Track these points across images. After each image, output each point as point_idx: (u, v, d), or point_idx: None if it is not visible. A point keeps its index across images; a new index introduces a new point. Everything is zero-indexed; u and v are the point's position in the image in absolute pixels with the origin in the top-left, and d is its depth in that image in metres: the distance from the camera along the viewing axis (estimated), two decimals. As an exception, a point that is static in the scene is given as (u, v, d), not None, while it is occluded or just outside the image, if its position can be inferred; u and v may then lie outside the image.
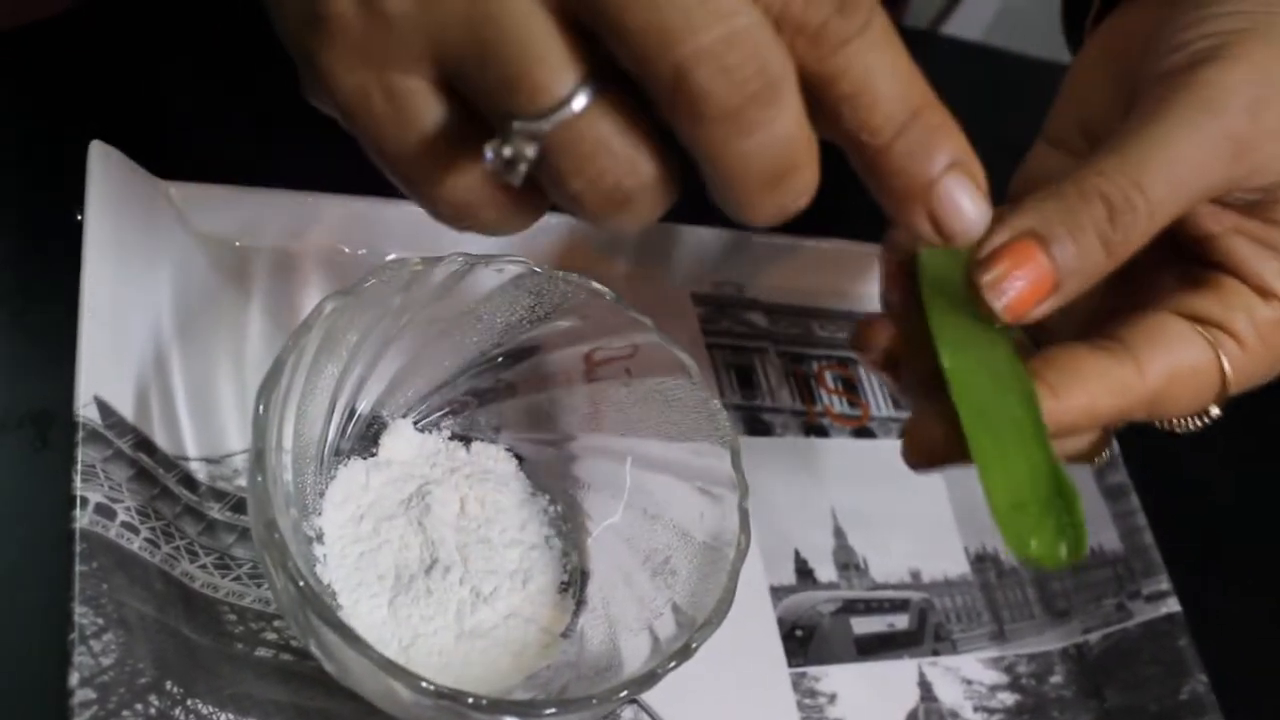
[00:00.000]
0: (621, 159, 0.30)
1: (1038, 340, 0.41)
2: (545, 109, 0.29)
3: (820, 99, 0.31)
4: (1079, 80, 0.45)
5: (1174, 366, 0.39)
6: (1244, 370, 0.40)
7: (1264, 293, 0.40)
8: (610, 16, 0.29)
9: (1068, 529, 0.36)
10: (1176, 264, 0.41)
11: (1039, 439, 0.36)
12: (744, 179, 0.30)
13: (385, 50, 0.30)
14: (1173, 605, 0.55)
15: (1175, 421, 0.42)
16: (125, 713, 0.38)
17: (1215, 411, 0.41)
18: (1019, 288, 0.37)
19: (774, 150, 0.30)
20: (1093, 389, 0.38)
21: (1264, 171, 0.39)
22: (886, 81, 0.31)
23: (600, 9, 0.29)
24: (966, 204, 0.33)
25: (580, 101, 0.29)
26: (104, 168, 0.46)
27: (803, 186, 0.31)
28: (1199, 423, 0.42)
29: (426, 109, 0.31)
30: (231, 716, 0.40)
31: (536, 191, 0.32)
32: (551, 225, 0.54)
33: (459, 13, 0.29)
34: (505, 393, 0.48)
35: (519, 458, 0.48)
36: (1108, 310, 0.41)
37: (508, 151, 0.30)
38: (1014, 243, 0.37)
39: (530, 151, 0.30)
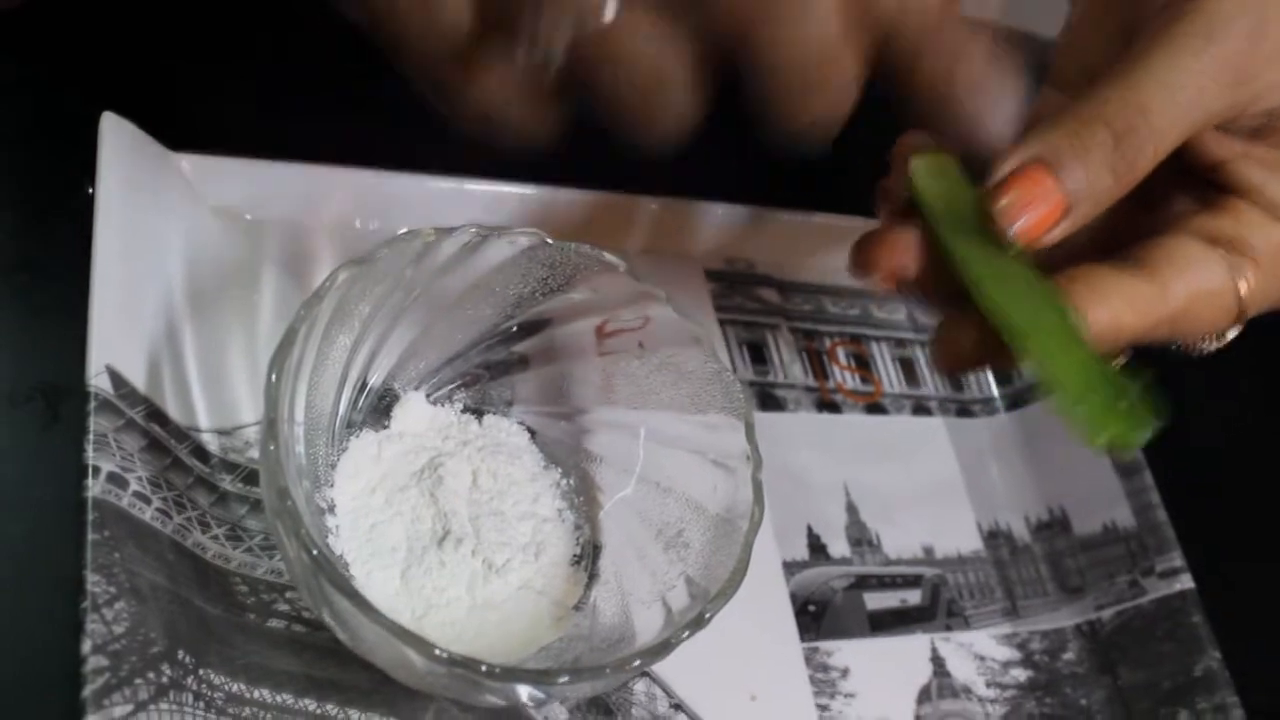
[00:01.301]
0: (653, 55, 0.31)
1: (1054, 263, 0.41)
2: (582, 5, 0.30)
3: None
4: (1080, 21, 0.45)
5: (1195, 287, 0.39)
6: (1260, 291, 0.41)
7: (1277, 214, 0.41)
8: None
9: (1135, 410, 0.37)
10: (1193, 188, 0.42)
11: (1079, 338, 0.37)
12: (788, 70, 0.32)
13: None
14: (1186, 582, 0.54)
15: (1193, 344, 0.43)
16: (137, 680, 0.38)
17: (1231, 334, 0.42)
18: (1031, 214, 0.38)
19: (814, 39, 0.32)
20: (1118, 306, 0.38)
21: (1266, 96, 0.40)
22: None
23: None
24: (1004, 105, 0.37)
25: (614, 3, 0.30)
26: (115, 139, 0.46)
27: (843, 84, 0.33)
28: (1216, 344, 0.43)
29: (458, 9, 0.32)
30: (243, 686, 0.40)
31: (561, 96, 0.33)
32: (565, 198, 0.54)
33: None
34: (517, 365, 0.48)
35: (531, 431, 0.48)
36: (1127, 233, 0.42)
37: (543, 44, 0.30)
38: (1025, 169, 0.38)
39: (563, 43, 0.30)
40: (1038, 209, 0.38)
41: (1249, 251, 0.40)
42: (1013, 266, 0.38)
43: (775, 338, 0.58)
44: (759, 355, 0.57)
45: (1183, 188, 0.42)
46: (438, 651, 0.36)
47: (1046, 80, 0.46)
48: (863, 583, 0.54)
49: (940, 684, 0.52)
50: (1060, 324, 0.37)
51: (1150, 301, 0.39)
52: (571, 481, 0.48)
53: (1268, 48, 0.39)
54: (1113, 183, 0.38)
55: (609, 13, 0.30)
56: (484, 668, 0.36)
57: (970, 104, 0.37)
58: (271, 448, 0.37)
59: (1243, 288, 0.40)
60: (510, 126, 0.34)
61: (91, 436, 0.41)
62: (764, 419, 0.55)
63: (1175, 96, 0.38)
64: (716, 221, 0.58)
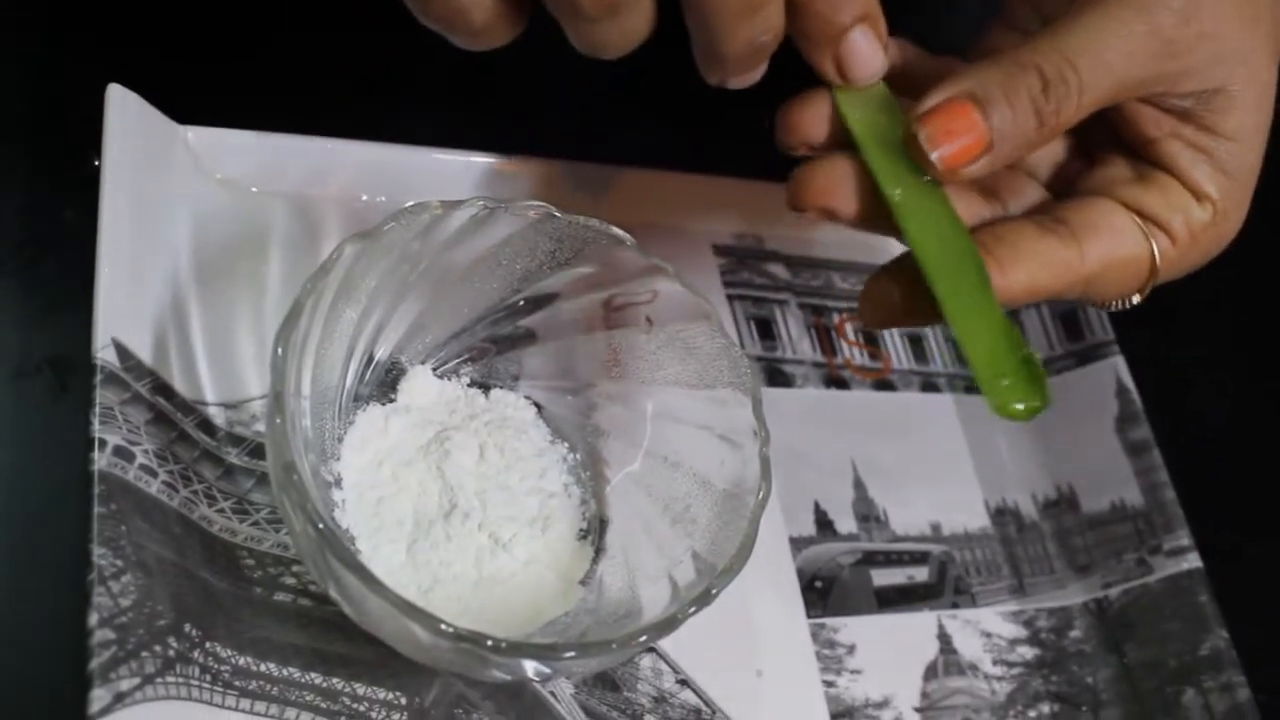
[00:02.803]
0: None
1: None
2: None
3: None
4: None
5: (1111, 254, 0.41)
6: (1173, 264, 0.43)
7: (1198, 195, 0.42)
8: None
9: (1037, 382, 0.38)
10: (1130, 156, 0.44)
11: (992, 299, 0.39)
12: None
13: None
14: (1194, 561, 0.54)
15: (1100, 304, 0.44)
16: (144, 654, 0.38)
17: (1137, 299, 0.43)
18: (955, 144, 0.39)
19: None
20: (1034, 267, 0.40)
21: (1193, 75, 0.41)
22: None
23: None
24: (869, 52, 0.39)
25: None
26: (122, 111, 0.46)
27: (772, 16, 0.36)
28: (1122, 306, 0.44)
29: None
30: (250, 660, 0.40)
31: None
32: (573, 172, 0.54)
33: None
34: (525, 339, 0.47)
35: (538, 405, 0.48)
36: (1067, 182, 0.45)
37: None
38: (952, 101, 0.39)
39: None
40: (960, 140, 0.39)
41: (1170, 226, 0.42)
42: (937, 210, 0.40)
43: (783, 313, 0.58)
44: (767, 331, 0.57)
45: (1121, 153, 0.44)
46: (444, 626, 0.36)
47: (998, 16, 0.47)
48: (870, 559, 0.53)
49: (947, 661, 0.52)
50: (977, 281, 0.39)
51: (1067, 264, 0.41)
52: (578, 456, 0.48)
53: (1199, 27, 0.40)
54: (1036, 126, 0.40)
55: None
56: (490, 642, 0.36)
57: (840, 63, 0.40)
58: (278, 421, 0.37)
59: (1158, 258, 0.42)
60: (470, 26, 0.36)
61: (98, 409, 0.41)
62: (771, 394, 0.55)
63: (1104, 56, 0.40)
64: (725, 196, 0.58)
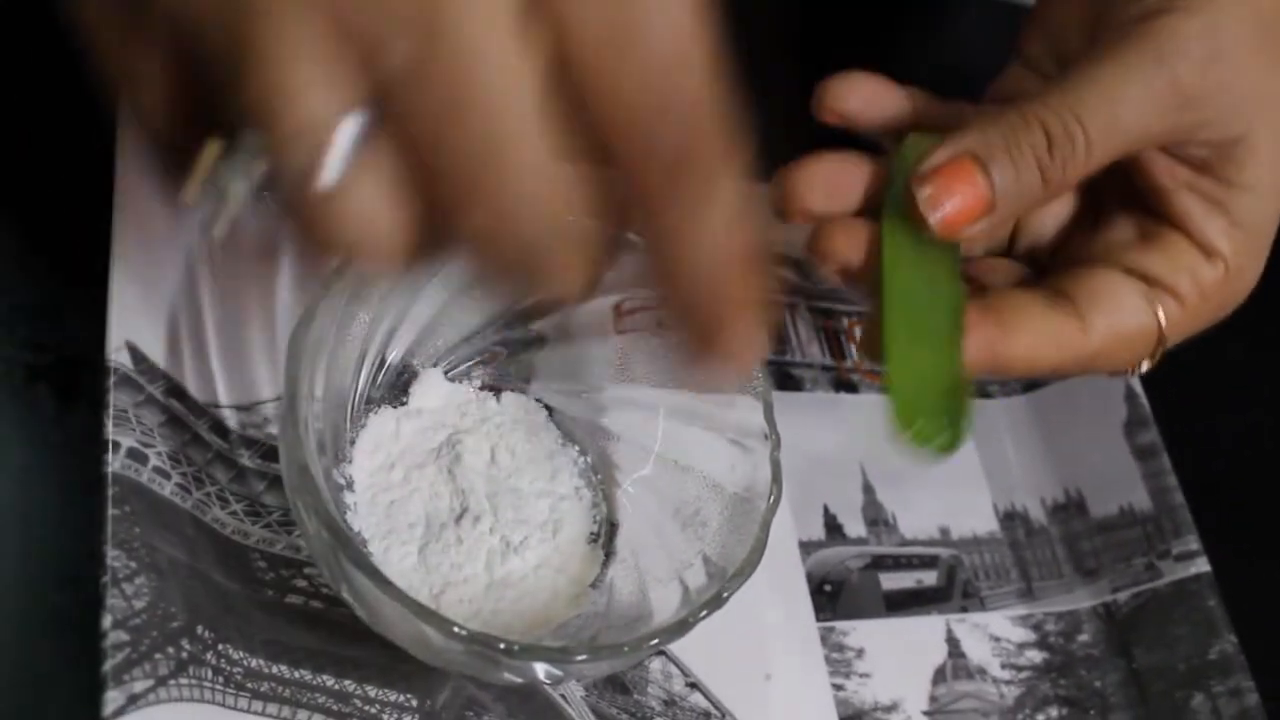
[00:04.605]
0: (360, 240, 0.27)
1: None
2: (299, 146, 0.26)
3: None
4: (1052, 8, 0.45)
5: (1117, 329, 0.40)
6: (1181, 326, 0.41)
7: (1208, 251, 0.41)
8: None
9: (950, 428, 0.38)
10: (1137, 212, 0.42)
11: (954, 348, 0.38)
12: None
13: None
14: (1202, 565, 0.54)
15: (1109, 374, 0.44)
16: (157, 655, 0.38)
17: (1146, 365, 0.42)
18: (954, 204, 0.38)
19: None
20: (1037, 339, 0.39)
21: (1212, 125, 0.40)
22: (702, 252, 0.30)
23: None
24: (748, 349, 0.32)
25: (338, 147, 0.26)
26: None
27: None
28: (1130, 374, 0.44)
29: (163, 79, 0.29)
30: (262, 662, 0.41)
31: None
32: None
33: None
34: (536, 343, 0.48)
35: (549, 408, 0.48)
36: (1075, 248, 0.43)
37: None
38: (953, 161, 0.38)
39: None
40: (960, 200, 0.38)
41: (1177, 289, 0.41)
42: (937, 264, 0.39)
43: (793, 317, 0.58)
44: (776, 334, 0.57)
45: (1128, 210, 0.42)
46: (455, 629, 0.36)
47: (1015, 56, 0.46)
48: (879, 563, 0.54)
49: (955, 665, 0.52)
50: (946, 326, 0.38)
51: (1070, 339, 0.40)
52: (589, 459, 0.48)
53: (1218, 77, 0.39)
54: (1040, 185, 0.38)
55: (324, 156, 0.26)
56: (501, 645, 0.36)
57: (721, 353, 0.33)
58: (291, 424, 0.37)
59: (1164, 324, 0.41)
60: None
61: (111, 412, 0.41)
62: (781, 398, 0.55)
63: (1116, 110, 0.38)
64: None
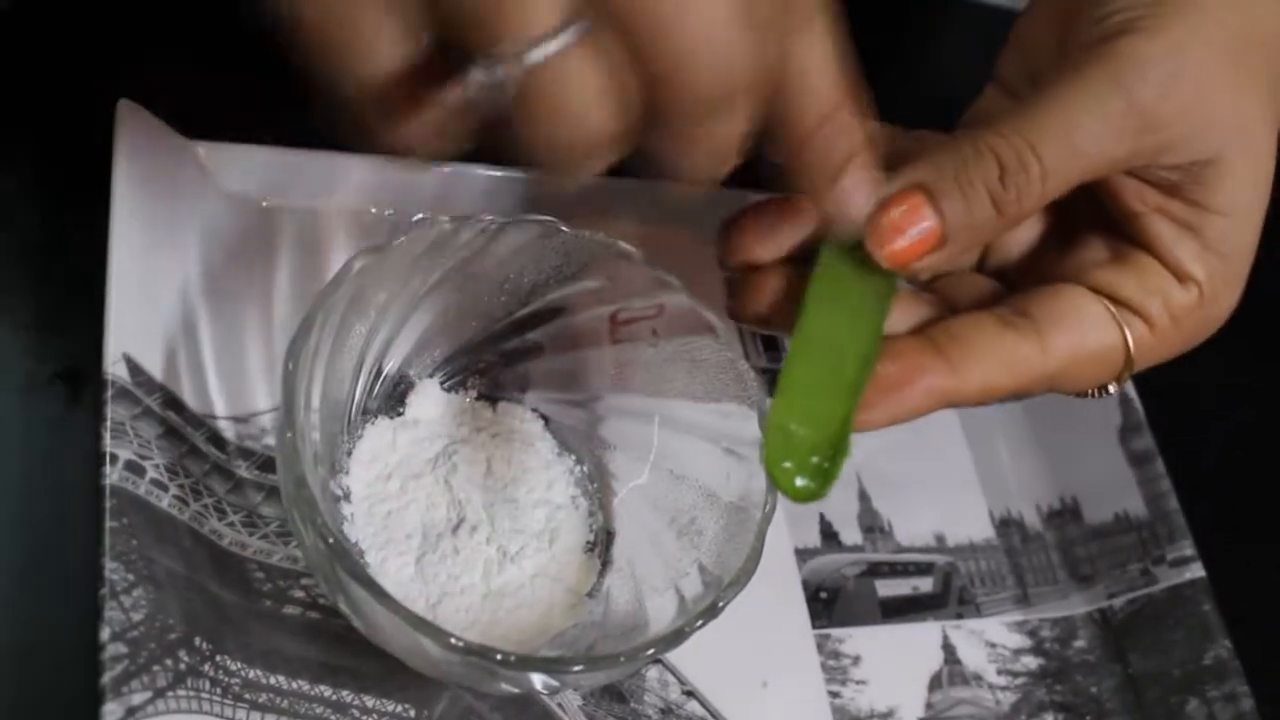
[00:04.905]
0: (582, 113, 0.30)
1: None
2: (525, 44, 0.29)
3: (762, 81, 0.32)
4: (1026, 28, 0.44)
5: (1078, 347, 0.39)
6: (1150, 351, 0.40)
7: (1180, 276, 0.40)
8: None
9: (819, 473, 0.37)
10: (1108, 234, 0.41)
11: (850, 397, 0.37)
12: (678, 117, 0.32)
13: None
14: (1197, 570, 0.54)
15: (1073, 394, 0.42)
16: (156, 667, 0.38)
17: (1113, 388, 0.42)
18: (905, 239, 0.37)
19: (720, 148, 0.33)
20: (991, 366, 0.38)
21: (1176, 149, 0.38)
22: (817, 77, 0.34)
23: None
24: (859, 197, 0.37)
25: (559, 42, 0.29)
26: (132, 127, 0.46)
27: (725, 144, 0.33)
28: (1095, 394, 0.42)
29: (393, 43, 0.31)
30: (260, 673, 0.41)
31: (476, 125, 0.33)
32: (579, 185, 0.54)
33: None
34: (532, 353, 0.48)
35: (545, 418, 0.48)
36: (1040, 269, 0.42)
37: (485, 82, 0.30)
38: (903, 193, 0.37)
39: (510, 83, 0.30)
40: (911, 234, 0.37)
41: (1146, 312, 0.40)
42: (855, 312, 0.39)
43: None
44: (772, 343, 0.57)
45: (1099, 229, 0.42)
46: (452, 639, 0.36)
47: (992, 77, 0.45)
48: (874, 570, 0.54)
49: (951, 671, 0.52)
50: (848, 375, 0.38)
51: (1028, 361, 0.39)
52: (585, 469, 0.48)
53: (1180, 100, 0.38)
54: (994, 216, 0.37)
55: (556, 44, 0.29)
56: (498, 656, 0.36)
57: (834, 204, 0.37)
58: (288, 435, 0.38)
59: (1132, 347, 0.40)
60: (429, 154, 0.34)
61: (109, 424, 0.41)
62: (776, 406, 0.55)
63: (1072, 137, 0.37)
64: (731, 207, 0.58)
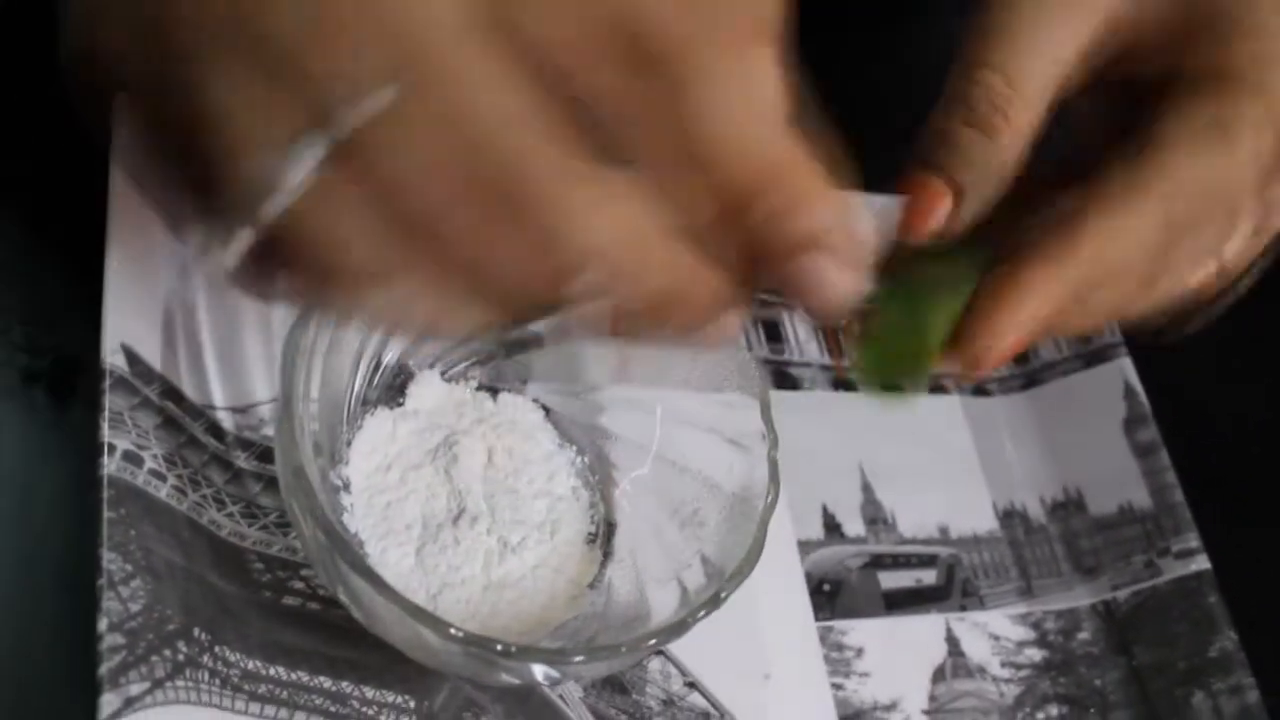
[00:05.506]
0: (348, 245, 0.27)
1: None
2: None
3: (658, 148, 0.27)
4: None
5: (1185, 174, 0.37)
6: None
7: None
8: None
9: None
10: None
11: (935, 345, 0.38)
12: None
13: None
14: (1202, 563, 0.54)
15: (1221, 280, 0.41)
16: (154, 658, 0.38)
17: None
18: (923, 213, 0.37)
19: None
20: (1034, 305, 0.37)
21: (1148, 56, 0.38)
22: (724, 132, 0.27)
23: None
24: (830, 280, 0.30)
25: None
26: (130, 117, 0.46)
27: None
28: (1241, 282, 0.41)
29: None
30: (259, 664, 0.40)
31: None
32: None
33: None
34: (532, 343, 0.47)
35: (546, 409, 0.48)
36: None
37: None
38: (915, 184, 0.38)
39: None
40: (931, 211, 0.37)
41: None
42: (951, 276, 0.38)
43: (791, 316, 0.58)
44: (775, 333, 0.57)
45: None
46: (453, 630, 0.36)
47: None
48: (878, 562, 0.53)
49: (955, 664, 0.52)
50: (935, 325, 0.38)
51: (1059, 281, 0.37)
52: (586, 459, 0.48)
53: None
54: (992, 147, 0.37)
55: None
56: (499, 647, 0.36)
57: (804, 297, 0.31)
58: (286, 425, 0.37)
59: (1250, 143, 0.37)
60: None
61: (107, 414, 0.41)
62: (779, 397, 0.55)
63: (1026, 41, 0.37)
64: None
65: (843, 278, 0.30)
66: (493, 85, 0.25)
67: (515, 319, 0.28)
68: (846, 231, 0.29)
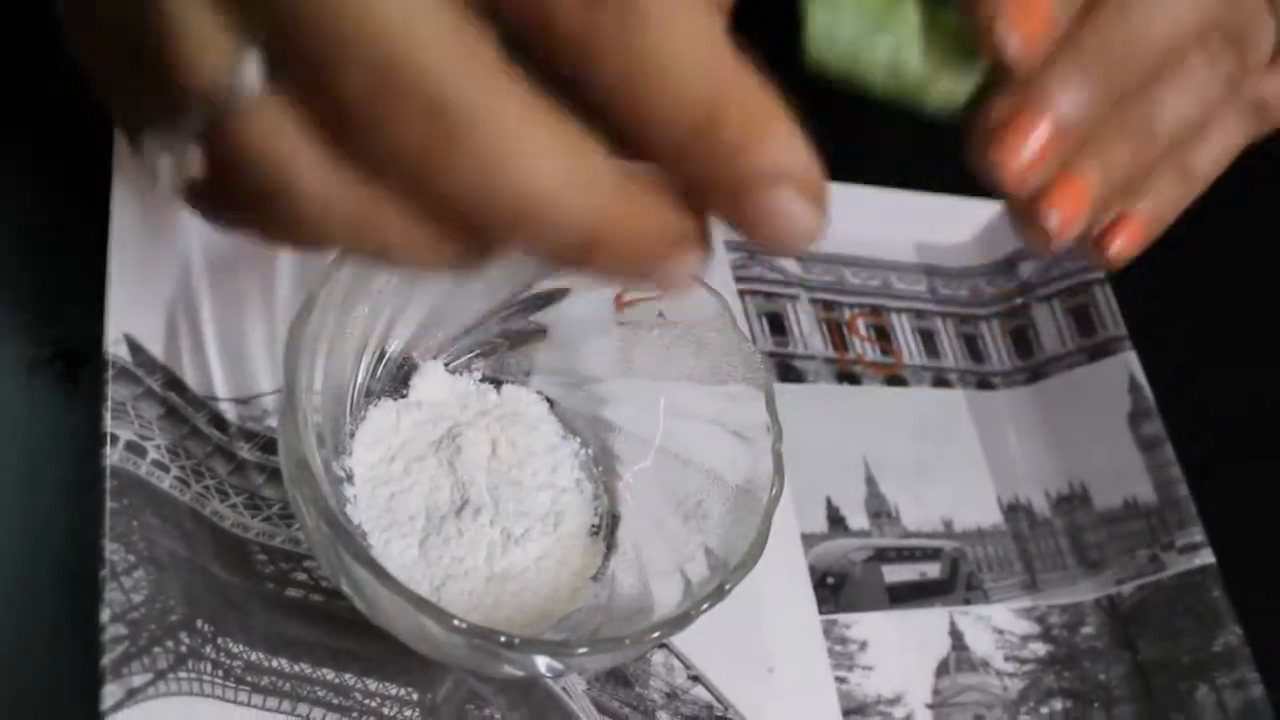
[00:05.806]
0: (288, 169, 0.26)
1: None
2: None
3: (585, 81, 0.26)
4: None
5: None
6: None
7: None
8: None
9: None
10: None
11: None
12: None
13: None
14: (1206, 557, 0.54)
15: None
16: (156, 649, 0.38)
17: None
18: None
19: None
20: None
21: None
22: (677, 58, 0.26)
23: None
24: (795, 212, 0.27)
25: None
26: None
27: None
28: None
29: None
30: (262, 655, 0.40)
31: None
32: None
33: None
34: (536, 335, 0.47)
35: (550, 400, 0.48)
36: None
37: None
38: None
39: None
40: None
41: None
42: None
43: (795, 309, 0.58)
44: (778, 326, 0.57)
45: None
46: (456, 622, 0.35)
47: None
48: (882, 555, 0.53)
49: (959, 657, 0.52)
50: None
51: None
52: (590, 451, 0.47)
53: None
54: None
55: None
56: (502, 639, 0.36)
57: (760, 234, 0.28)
58: (290, 416, 0.37)
59: None
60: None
61: (109, 405, 0.41)
62: (783, 390, 0.55)
63: None
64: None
65: (806, 211, 0.27)
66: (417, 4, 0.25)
67: (471, 251, 0.27)
68: (806, 162, 0.27)
